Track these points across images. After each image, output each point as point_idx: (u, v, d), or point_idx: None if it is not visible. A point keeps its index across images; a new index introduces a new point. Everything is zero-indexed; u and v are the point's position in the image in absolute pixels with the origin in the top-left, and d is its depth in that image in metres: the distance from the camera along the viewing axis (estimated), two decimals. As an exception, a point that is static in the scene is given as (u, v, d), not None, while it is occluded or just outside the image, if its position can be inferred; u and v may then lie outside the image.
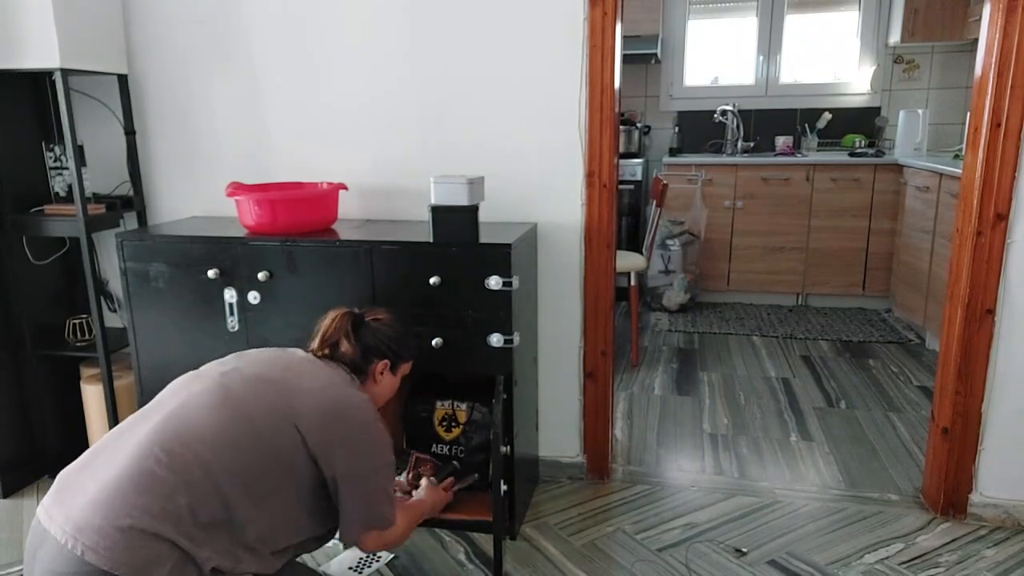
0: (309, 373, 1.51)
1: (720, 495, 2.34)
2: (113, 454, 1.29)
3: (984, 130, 1.95)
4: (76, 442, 2.50)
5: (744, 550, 2.03)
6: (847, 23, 4.77)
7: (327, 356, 1.60)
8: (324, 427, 1.42)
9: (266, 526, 1.35)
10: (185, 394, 1.40)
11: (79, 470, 1.30)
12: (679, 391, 3.22)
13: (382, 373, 1.67)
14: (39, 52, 2.10)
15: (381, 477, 1.51)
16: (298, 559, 1.69)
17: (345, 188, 2.24)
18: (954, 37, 4.31)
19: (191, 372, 1.51)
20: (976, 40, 2.03)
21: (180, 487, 1.24)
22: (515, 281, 1.90)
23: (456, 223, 1.93)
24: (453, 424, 2.18)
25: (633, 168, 4.63)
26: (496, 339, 1.92)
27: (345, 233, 2.11)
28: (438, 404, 2.18)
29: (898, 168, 4.20)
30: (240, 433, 1.34)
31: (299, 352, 1.59)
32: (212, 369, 1.50)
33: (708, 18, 4.96)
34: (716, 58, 4.99)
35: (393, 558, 2.03)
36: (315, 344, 1.62)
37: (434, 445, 2.17)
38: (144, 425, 1.34)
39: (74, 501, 1.22)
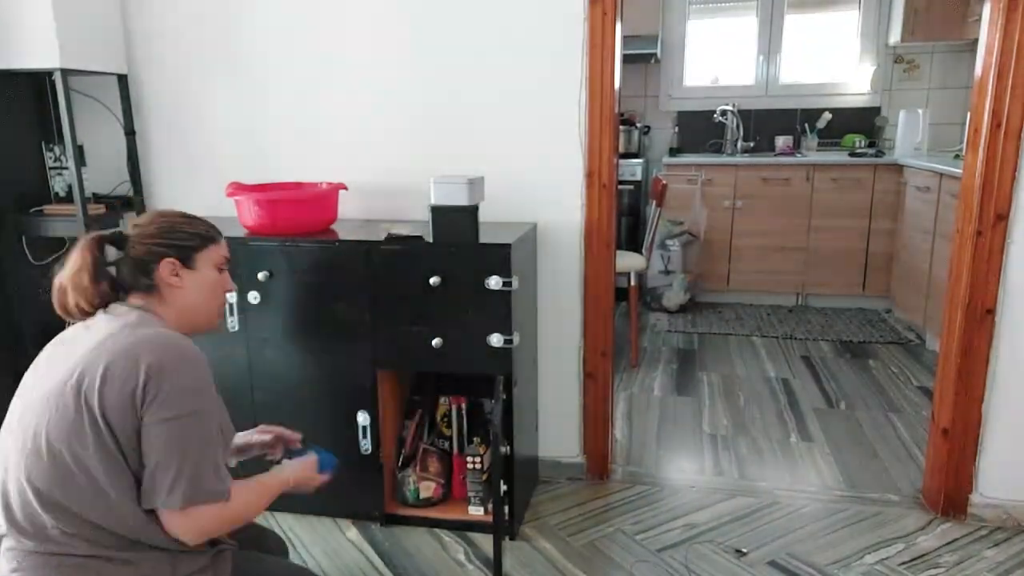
0: (82, 342, 1.25)
1: (720, 496, 2.33)
2: None
3: (984, 130, 1.95)
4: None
5: (744, 550, 2.03)
6: (847, 23, 4.77)
7: (101, 301, 1.33)
8: (105, 390, 1.17)
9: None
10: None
11: None
12: (679, 392, 3.22)
13: (176, 275, 1.37)
14: (39, 52, 2.10)
15: (186, 431, 1.20)
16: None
17: (345, 188, 2.24)
18: (954, 37, 4.31)
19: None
20: (976, 40, 2.02)
21: (42, 548, 1.17)
22: (515, 281, 1.90)
23: (456, 223, 1.93)
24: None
25: (633, 168, 4.63)
26: (496, 339, 1.92)
27: (345, 233, 2.11)
28: (440, 400, 2.19)
29: (898, 168, 4.20)
30: (52, 469, 1.17)
31: (67, 332, 1.34)
32: (11, 414, 1.28)
33: (708, 18, 4.96)
34: (716, 58, 4.99)
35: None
36: (77, 297, 1.33)
37: (437, 440, 2.19)
38: None
39: None
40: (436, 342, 1.95)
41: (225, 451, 1.37)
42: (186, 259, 1.39)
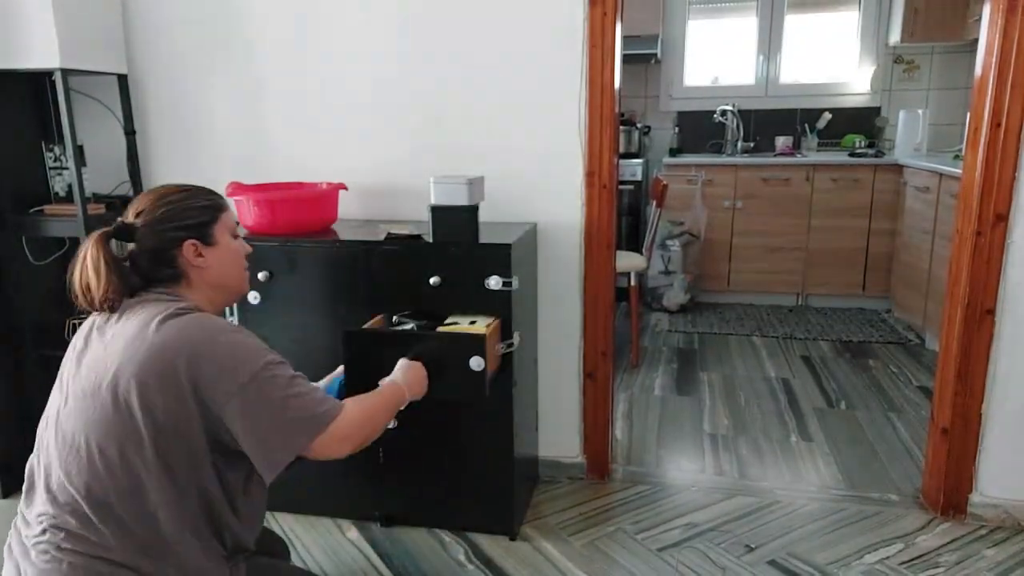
0: (115, 338, 1.23)
1: (720, 495, 2.33)
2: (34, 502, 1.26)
3: (984, 130, 1.95)
4: (76, 442, 2.49)
5: (752, 546, 2.03)
6: (847, 23, 4.77)
7: (128, 292, 1.29)
8: (168, 384, 1.17)
9: (176, 530, 1.22)
10: (43, 447, 1.28)
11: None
12: (679, 391, 3.22)
13: (199, 255, 1.34)
14: (39, 52, 2.10)
15: (270, 376, 1.23)
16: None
17: (345, 188, 2.24)
18: (954, 37, 4.31)
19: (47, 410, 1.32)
20: (976, 40, 2.02)
21: (88, 532, 1.18)
22: (515, 281, 1.90)
23: (456, 223, 1.92)
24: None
25: (633, 168, 4.62)
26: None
27: (345, 233, 2.11)
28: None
29: (898, 168, 4.20)
30: (106, 475, 1.18)
31: (96, 325, 1.30)
32: (51, 408, 1.29)
33: (708, 18, 4.96)
34: (716, 58, 4.99)
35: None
36: (104, 292, 1.27)
37: None
38: (35, 472, 1.28)
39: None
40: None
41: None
42: (205, 236, 1.35)
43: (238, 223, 1.46)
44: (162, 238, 1.31)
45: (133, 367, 1.18)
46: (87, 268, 1.26)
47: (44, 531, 1.20)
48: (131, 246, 1.33)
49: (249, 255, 1.48)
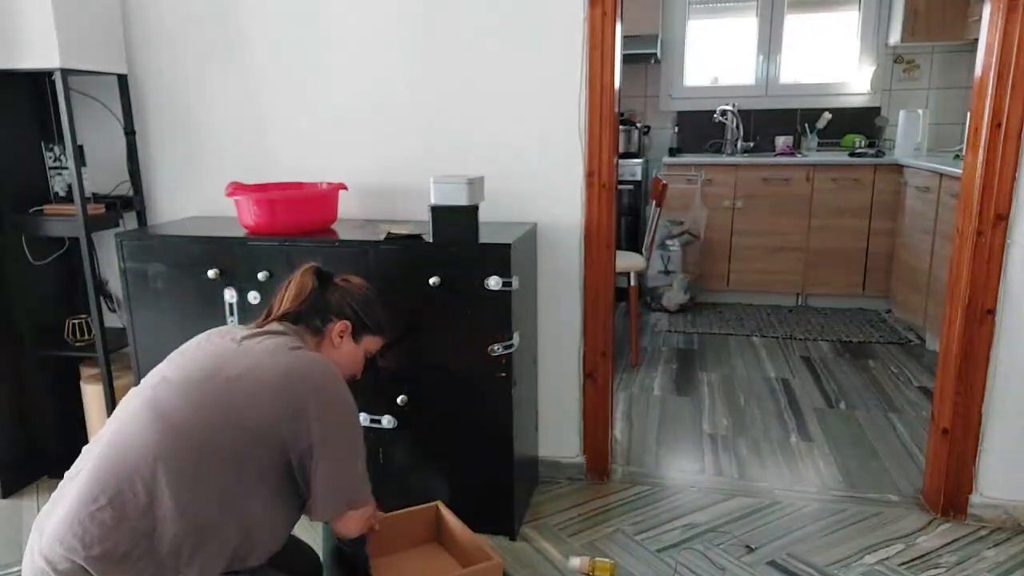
0: (246, 352, 1.36)
1: (720, 496, 2.33)
2: (71, 487, 1.26)
3: (984, 130, 1.95)
4: (76, 442, 2.47)
5: (753, 546, 2.03)
6: (847, 23, 4.77)
7: (279, 319, 1.50)
8: (281, 398, 1.29)
9: (216, 551, 1.25)
10: (120, 418, 1.32)
11: (52, 503, 1.28)
12: (679, 392, 3.22)
13: (341, 336, 1.56)
14: (39, 52, 2.10)
15: (354, 445, 1.40)
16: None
17: (345, 188, 2.24)
18: (954, 37, 4.31)
19: (136, 386, 1.41)
20: (976, 40, 2.02)
21: (121, 528, 1.19)
22: (515, 281, 1.90)
23: (456, 223, 1.93)
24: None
25: (633, 168, 4.63)
26: (497, 348, 1.92)
27: (345, 233, 2.11)
28: None
29: (898, 168, 4.20)
30: (179, 451, 1.24)
31: (238, 331, 1.45)
32: (146, 381, 1.38)
33: (708, 18, 4.96)
34: (716, 58, 4.99)
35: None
36: (275, 304, 1.54)
37: None
38: (93, 452, 1.29)
39: (38, 539, 1.24)
40: (436, 342, 1.94)
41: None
42: (357, 332, 1.59)
43: (380, 354, 1.73)
44: (339, 302, 1.57)
45: (256, 377, 1.31)
46: (295, 278, 1.56)
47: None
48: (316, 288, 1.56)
49: (358, 374, 1.67)
